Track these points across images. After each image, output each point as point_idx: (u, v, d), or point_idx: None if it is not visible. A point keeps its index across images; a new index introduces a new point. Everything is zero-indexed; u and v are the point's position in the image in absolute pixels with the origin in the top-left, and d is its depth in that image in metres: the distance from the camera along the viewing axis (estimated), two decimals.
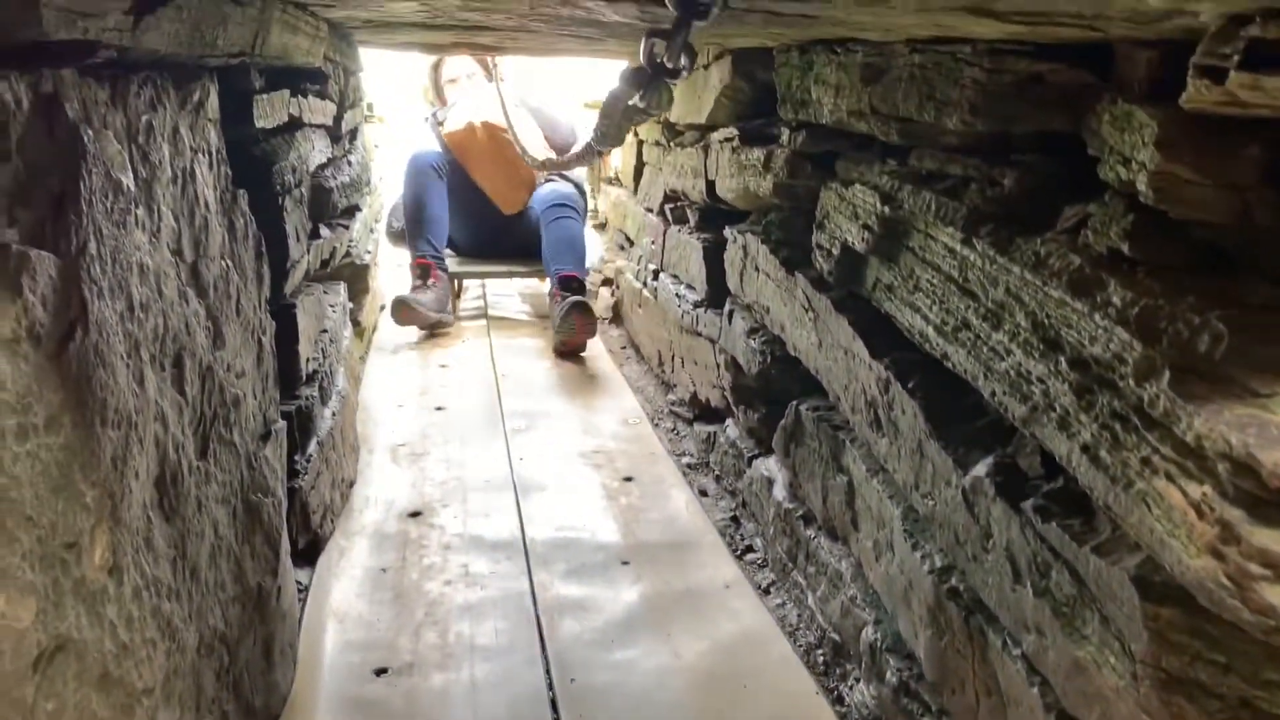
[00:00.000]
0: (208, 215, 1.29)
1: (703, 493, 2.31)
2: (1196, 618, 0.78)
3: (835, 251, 1.61)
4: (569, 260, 3.60)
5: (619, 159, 4.13)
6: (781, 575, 1.87)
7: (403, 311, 3.45)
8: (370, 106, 3.75)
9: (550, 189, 3.87)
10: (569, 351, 3.37)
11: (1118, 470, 0.85)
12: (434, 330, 3.58)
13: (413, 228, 3.75)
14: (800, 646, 1.68)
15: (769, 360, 2.00)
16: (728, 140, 2.26)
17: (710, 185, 2.45)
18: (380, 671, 1.59)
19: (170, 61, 1.21)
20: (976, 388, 1.15)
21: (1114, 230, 0.93)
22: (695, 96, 2.59)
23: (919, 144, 1.40)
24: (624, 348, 3.56)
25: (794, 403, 1.84)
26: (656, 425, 2.77)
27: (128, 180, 0.99)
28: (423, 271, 3.62)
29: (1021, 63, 1.12)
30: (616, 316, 3.85)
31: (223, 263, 1.36)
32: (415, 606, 1.77)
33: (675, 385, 2.88)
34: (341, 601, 1.78)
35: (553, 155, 3.56)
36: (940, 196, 1.28)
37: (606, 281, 4.06)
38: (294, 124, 1.92)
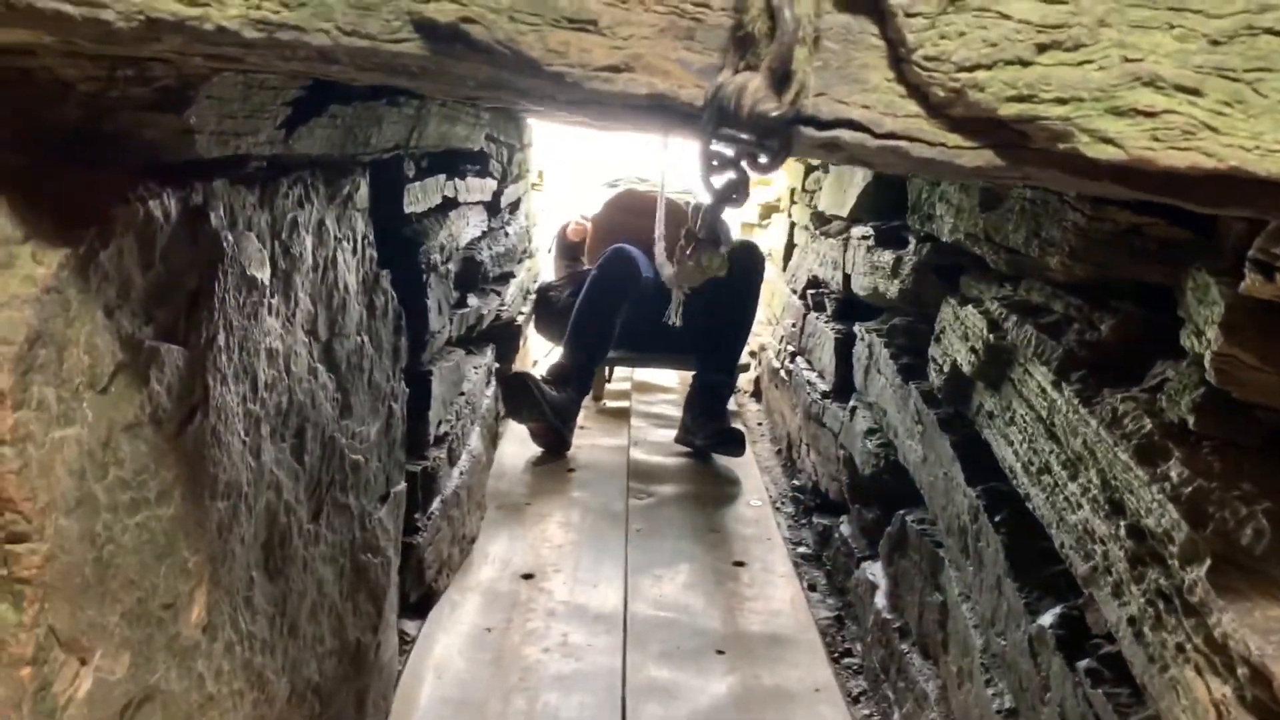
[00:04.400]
0: (346, 297, 1.42)
1: (811, 587, 2.30)
2: None
3: (946, 369, 1.61)
4: (724, 364, 3.26)
5: (777, 238, 4.18)
6: (873, 685, 1.85)
7: (518, 388, 2.88)
8: (540, 175, 3.90)
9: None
10: None
11: (1156, 651, 0.83)
12: (546, 446, 3.02)
13: (585, 335, 3.12)
14: None
15: (882, 464, 1.99)
16: (864, 239, 2.28)
17: (847, 279, 2.47)
18: None
19: (323, 161, 1.35)
20: (1050, 534, 1.13)
21: (1184, 401, 0.92)
22: (841, 190, 2.62)
23: (1025, 275, 1.39)
24: (760, 424, 3.58)
25: (901, 512, 1.83)
26: (778, 509, 2.77)
27: (263, 276, 1.11)
28: (561, 375, 3.07)
29: (1123, 213, 1.12)
30: (757, 391, 3.87)
31: (358, 338, 1.48)
32: (511, 671, 1.84)
33: (801, 470, 2.88)
34: (443, 657, 1.87)
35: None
36: (1040, 333, 1.27)
37: (751, 354, 4.09)
38: (448, 204, 2.07)
